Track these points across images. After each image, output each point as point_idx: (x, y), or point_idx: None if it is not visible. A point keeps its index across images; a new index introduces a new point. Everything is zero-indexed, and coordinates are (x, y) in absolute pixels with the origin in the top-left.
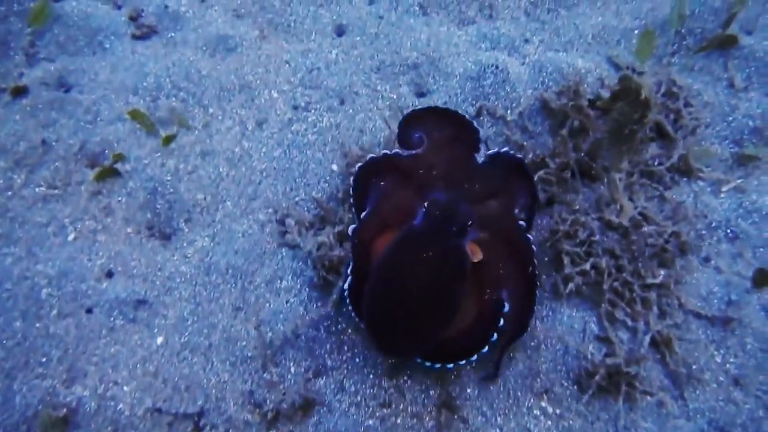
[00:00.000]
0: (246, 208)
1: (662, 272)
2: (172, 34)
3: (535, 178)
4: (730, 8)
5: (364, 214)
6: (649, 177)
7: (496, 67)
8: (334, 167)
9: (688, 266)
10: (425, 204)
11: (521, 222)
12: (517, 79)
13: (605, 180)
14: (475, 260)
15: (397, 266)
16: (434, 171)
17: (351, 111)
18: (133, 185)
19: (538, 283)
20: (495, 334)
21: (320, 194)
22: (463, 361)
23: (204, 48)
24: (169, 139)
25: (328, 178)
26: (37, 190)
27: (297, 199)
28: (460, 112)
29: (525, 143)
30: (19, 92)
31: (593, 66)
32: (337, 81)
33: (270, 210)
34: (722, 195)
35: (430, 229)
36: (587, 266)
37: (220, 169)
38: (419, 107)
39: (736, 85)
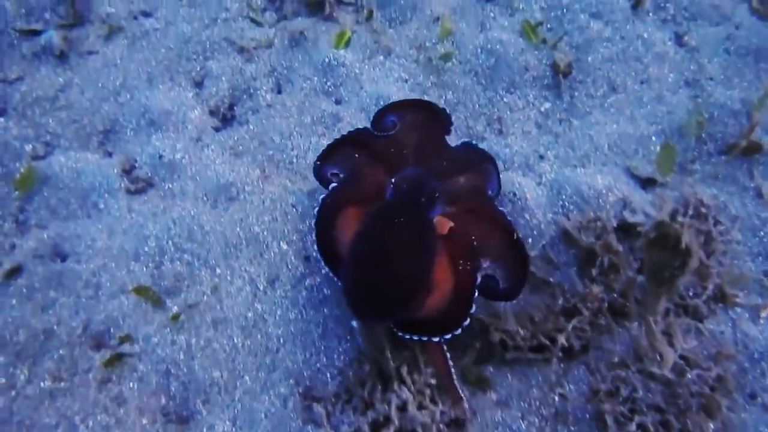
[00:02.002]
0: (266, 382)
1: (711, 426)
2: (170, 186)
3: (569, 327)
4: (749, 109)
5: (334, 185)
6: (685, 310)
7: (514, 194)
8: (354, 324)
9: (733, 406)
10: (393, 180)
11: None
12: (536, 204)
13: (641, 323)
14: (444, 232)
15: (369, 237)
16: (405, 150)
17: None
18: (143, 369)
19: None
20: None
21: (342, 356)
22: (450, 334)
23: (204, 198)
24: (177, 317)
25: (348, 337)
26: (42, 385)
27: (318, 365)
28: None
29: (551, 279)
30: (13, 273)
31: (613, 181)
32: None
33: (291, 381)
34: (761, 321)
35: (398, 202)
36: (633, 427)
37: (235, 340)
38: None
39: (765, 194)
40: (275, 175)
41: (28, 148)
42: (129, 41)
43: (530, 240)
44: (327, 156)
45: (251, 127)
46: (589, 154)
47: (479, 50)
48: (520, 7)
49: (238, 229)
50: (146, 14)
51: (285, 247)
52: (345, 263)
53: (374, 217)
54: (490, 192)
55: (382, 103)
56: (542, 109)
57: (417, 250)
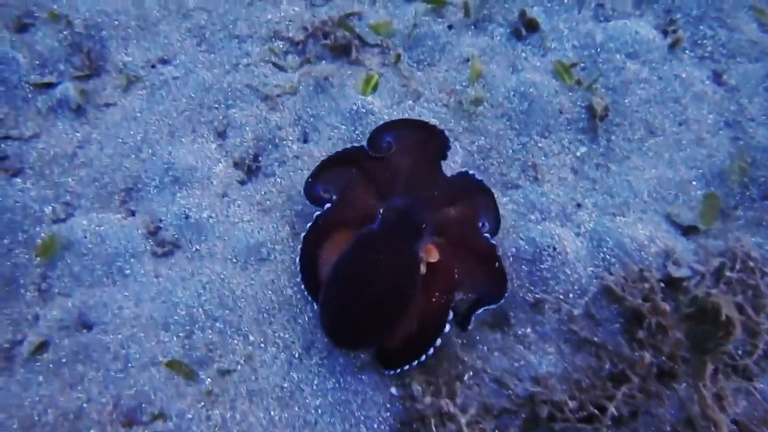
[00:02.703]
0: None
1: None
2: (197, 247)
3: (619, 394)
4: None
5: (328, 206)
6: (734, 370)
7: (554, 249)
8: (393, 390)
9: None
10: (382, 209)
11: (486, 234)
12: (576, 258)
13: (689, 384)
14: (432, 260)
15: (352, 266)
16: (398, 174)
17: None
18: None
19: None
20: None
21: (383, 426)
22: (414, 363)
23: (234, 260)
24: (211, 393)
25: (388, 405)
26: None
27: None
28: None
29: (596, 338)
30: (40, 349)
31: (653, 230)
32: None
33: None
34: None
35: (385, 233)
36: None
37: (272, 413)
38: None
39: None
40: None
41: (48, 210)
42: (148, 91)
43: (571, 295)
44: (319, 173)
45: (278, 179)
46: (628, 202)
47: (512, 93)
48: (553, 46)
49: (269, 292)
50: (164, 61)
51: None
52: (325, 285)
53: (360, 245)
54: (481, 225)
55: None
56: (578, 153)
57: (399, 283)
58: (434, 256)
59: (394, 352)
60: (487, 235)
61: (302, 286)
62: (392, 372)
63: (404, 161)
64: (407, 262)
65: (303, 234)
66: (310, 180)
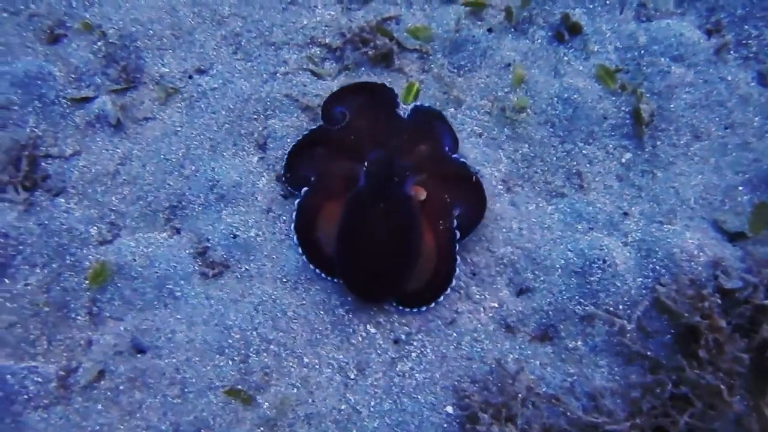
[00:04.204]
0: None
1: None
2: (246, 267)
3: (682, 421)
4: None
5: (307, 188)
6: None
7: (603, 261)
8: (449, 409)
9: None
10: (364, 165)
11: (454, 156)
12: (626, 270)
13: (750, 408)
14: (422, 198)
15: (353, 226)
16: (363, 136)
17: (454, 334)
18: None
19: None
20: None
21: None
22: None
23: (284, 279)
24: (269, 419)
25: (445, 425)
26: None
27: None
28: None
29: (649, 353)
30: (98, 377)
31: (701, 238)
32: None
33: None
34: None
35: (374, 186)
36: None
37: None
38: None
39: None
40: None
41: (93, 231)
42: (186, 104)
43: (621, 307)
44: (291, 165)
45: None
46: (675, 209)
47: (555, 99)
48: (595, 49)
49: (322, 312)
50: (201, 71)
51: (373, 330)
52: (338, 253)
53: (354, 204)
54: (446, 148)
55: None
56: (623, 160)
57: (403, 226)
58: (422, 194)
59: (420, 290)
60: (455, 156)
61: (318, 270)
62: (423, 308)
63: (363, 123)
64: (404, 205)
65: (293, 222)
66: (288, 175)
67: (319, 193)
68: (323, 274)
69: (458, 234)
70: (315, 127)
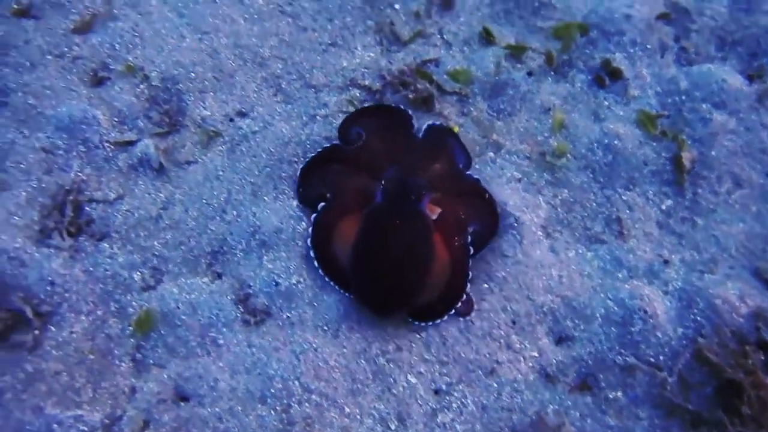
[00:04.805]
0: None
1: None
2: (288, 315)
3: None
4: None
5: (324, 204)
6: None
7: (645, 312)
8: None
9: None
10: (381, 182)
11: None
12: (667, 320)
13: None
14: (434, 217)
15: (370, 241)
16: (379, 155)
17: (495, 384)
18: None
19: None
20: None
21: None
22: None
23: (325, 327)
24: None
25: None
26: None
27: None
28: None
29: (690, 406)
30: (142, 427)
31: (743, 288)
32: (472, 349)
33: None
34: None
35: (391, 203)
36: None
37: None
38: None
39: None
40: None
41: (137, 276)
42: (228, 147)
43: (661, 358)
44: (304, 181)
45: None
46: (716, 258)
47: (595, 145)
48: (636, 94)
49: (363, 361)
50: (242, 114)
51: (413, 380)
52: (354, 267)
53: (371, 220)
54: (460, 165)
55: (498, 210)
56: (663, 207)
57: (417, 243)
58: (436, 212)
59: (432, 304)
60: (468, 173)
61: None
62: (436, 321)
63: (378, 143)
64: (419, 222)
65: (310, 237)
66: (301, 189)
67: (336, 209)
68: (339, 288)
69: (471, 250)
70: (329, 145)
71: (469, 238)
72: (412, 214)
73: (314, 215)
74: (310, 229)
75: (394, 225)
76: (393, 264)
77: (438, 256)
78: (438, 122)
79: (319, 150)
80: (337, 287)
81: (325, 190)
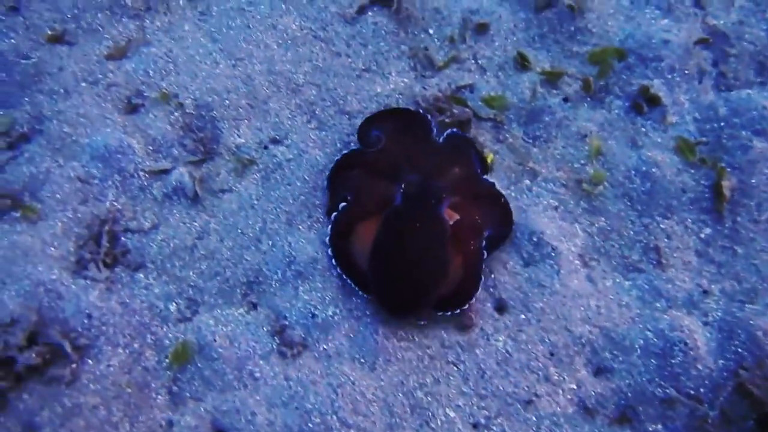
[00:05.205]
0: None
1: None
2: (324, 347)
3: None
4: None
5: (344, 204)
6: None
7: (685, 344)
8: None
9: None
10: (402, 186)
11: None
12: (707, 352)
13: None
14: (452, 222)
15: (388, 244)
16: (398, 158)
17: (534, 418)
18: None
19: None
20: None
21: None
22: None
23: (362, 360)
24: None
25: None
26: None
27: None
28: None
29: None
30: None
31: None
32: (510, 381)
33: None
34: None
35: (410, 207)
36: None
37: None
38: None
39: None
40: (429, 324)
41: (173, 307)
42: (262, 175)
43: (702, 390)
44: (332, 187)
45: None
46: (757, 288)
47: (633, 172)
48: (674, 120)
49: (400, 394)
50: (276, 141)
51: (451, 414)
52: (372, 269)
53: (392, 224)
54: (477, 170)
55: (535, 239)
56: (702, 235)
57: (435, 247)
58: (454, 217)
59: (439, 302)
60: (485, 177)
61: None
62: (448, 313)
63: (398, 147)
64: (437, 226)
65: (329, 236)
66: (329, 202)
67: (355, 210)
68: (357, 289)
69: (485, 254)
70: (351, 150)
71: (484, 242)
72: (430, 218)
73: (334, 214)
74: (329, 228)
75: (412, 228)
76: (410, 267)
77: (455, 260)
78: (456, 130)
79: (339, 157)
80: (356, 288)
81: (347, 193)
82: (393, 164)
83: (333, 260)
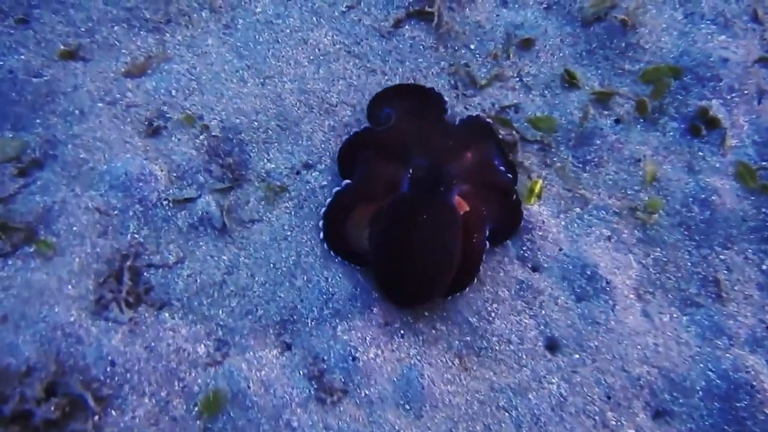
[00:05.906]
0: None
1: None
2: (366, 392)
3: None
4: None
5: (348, 182)
6: None
7: (751, 386)
8: None
9: None
10: (409, 171)
11: (501, 168)
12: None
13: None
14: (462, 212)
15: (395, 233)
16: (408, 139)
17: None
18: None
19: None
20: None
21: None
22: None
23: (406, 406)
24: None
25: None
26: None
27: None
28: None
29: None
30: None
31: None
32: (566, 428)
33: None
34: None
35: (418, 193)
36: None
37: None
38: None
39: None
40: (476, 365)
41: (201, 350)
42: (295, 203)
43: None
44: (343, 167)
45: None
46: None
47: (690, 199)
48: (733, 144)
49: None
50: (309, 166)
51: None
52: (377, 259)
53: (398, 212)
54: (496, 162)
55: (588, 272)
56: (764, 267)
57: (445, 236)
58: (464, 208)
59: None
60: (502, 168)
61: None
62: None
63: (409, 126)
64: (446, 215)
65: (324, 210)
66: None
67: (358, 192)
68: (345, 262)
69: (487, 245)
70: (359, 130)
71: (487, 233)
72: (439, 207)
73: (335, 189)
74: (327, 201)
75: (420, 217)
76: (417, 257)
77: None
78: (478, 115)
79: (348, 137)
80: (344, 262)
81: (356, 174)
82: (402, 144)
83: (322, 234)
